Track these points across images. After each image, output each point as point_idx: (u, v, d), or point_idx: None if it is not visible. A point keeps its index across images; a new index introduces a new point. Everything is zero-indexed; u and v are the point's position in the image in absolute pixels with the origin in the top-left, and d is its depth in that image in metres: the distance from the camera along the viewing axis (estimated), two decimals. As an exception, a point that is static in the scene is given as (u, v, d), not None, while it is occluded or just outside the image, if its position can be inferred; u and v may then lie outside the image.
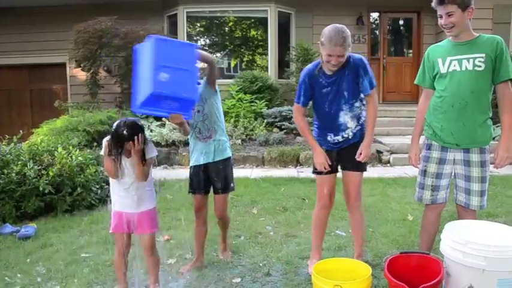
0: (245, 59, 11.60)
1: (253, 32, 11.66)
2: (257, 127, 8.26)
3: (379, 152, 7.45)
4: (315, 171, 3.08)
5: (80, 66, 9.61)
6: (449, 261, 2.40)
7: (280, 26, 10.41)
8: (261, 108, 8.69)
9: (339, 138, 3.02)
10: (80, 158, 4.97)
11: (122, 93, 9.34)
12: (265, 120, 8.36)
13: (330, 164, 3.00)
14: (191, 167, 3.22)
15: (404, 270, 2.49)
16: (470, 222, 2.62)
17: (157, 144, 7.52)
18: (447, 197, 2.94)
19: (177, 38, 10.25)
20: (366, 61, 2.95)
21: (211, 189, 3.23)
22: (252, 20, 11.40)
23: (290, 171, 6.75)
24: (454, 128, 2.75)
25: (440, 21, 2.69)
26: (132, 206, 2.73)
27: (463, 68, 2.70)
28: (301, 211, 4.57)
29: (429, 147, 2.89)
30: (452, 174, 2.87)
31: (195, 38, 11.57)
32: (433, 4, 2.73)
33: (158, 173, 6.63)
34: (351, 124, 2.99)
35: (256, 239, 3.81)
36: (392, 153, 7.52)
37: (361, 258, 3.12)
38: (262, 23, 10.70)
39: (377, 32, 11.31)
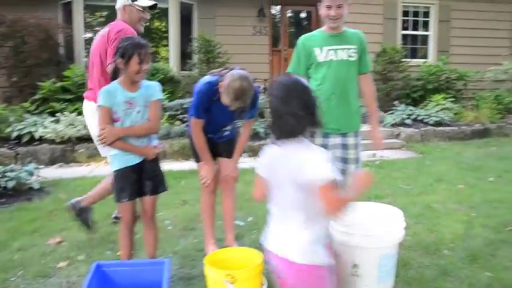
0: (149, 51, 11.24)
1: (156, 23, 11.34)
2: (159, 120, 8.01)
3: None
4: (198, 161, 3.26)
5: (-41, 58, 8.69)
6: (336, 243, 2.50)
7: (183, 17, 10.20)
8: (163, 101, 8.46)
9: (217, 136, 3.22)
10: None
11: (10, 87, 8.60)
12: (167, 113, 8.16)
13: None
14: (119, 170, 2.73)
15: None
16: (357, 205, 2.74)
17: (51, 141, 7.02)
18: None
19: (71, 29, 9.63)
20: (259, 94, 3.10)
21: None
22: (155, 11, 11.04)
23: (191, 164, 6.60)
24: (335, 114, 2.90)
25: (329, 12, 2.85)
26: None
27: (339, 58, 2.91)
28: (201, 203, 4.51)
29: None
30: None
31: (95, 29, 10.97)
32: None
33: (52, 172, 6.20)
34: (230, 128, 3.24)
35: (154, 235, 3.69)
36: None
37: (237, 242, 3.28)
38: (165, 14, 10.42)
39: (279, 24, 11.56)
